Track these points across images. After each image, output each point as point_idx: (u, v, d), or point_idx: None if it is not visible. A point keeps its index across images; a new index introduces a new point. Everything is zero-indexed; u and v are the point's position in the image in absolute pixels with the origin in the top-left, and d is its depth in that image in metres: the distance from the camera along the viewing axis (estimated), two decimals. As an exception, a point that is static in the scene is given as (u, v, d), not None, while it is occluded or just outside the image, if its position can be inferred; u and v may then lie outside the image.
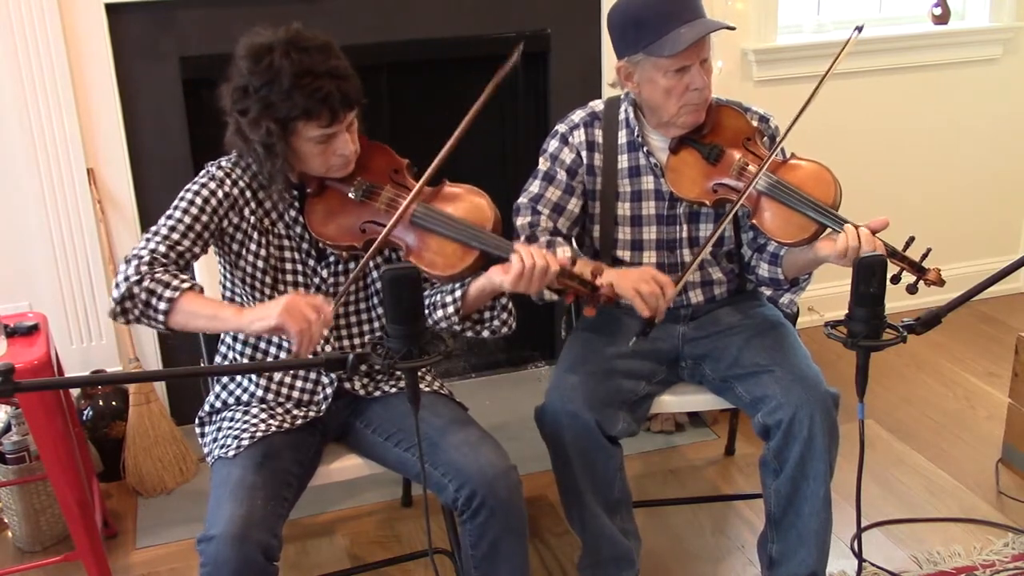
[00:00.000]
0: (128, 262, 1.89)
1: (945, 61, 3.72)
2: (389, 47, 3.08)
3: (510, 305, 2.10)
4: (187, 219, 1.96)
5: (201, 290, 1.90)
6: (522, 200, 2.31)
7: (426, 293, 2.09)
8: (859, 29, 2.15)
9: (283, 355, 2.11)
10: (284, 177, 1.99)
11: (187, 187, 2.01)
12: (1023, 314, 3.90)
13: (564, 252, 2.12)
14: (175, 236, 1.94)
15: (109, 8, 2.79)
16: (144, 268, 1.86)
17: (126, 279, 1.86)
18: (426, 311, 2.07)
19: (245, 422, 2.05)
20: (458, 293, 2.03)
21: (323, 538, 2.70)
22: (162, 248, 1.91)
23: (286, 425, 2.06)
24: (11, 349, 2.26)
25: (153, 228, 1.96)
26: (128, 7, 2.82)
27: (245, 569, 1.79)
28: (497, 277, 1.95)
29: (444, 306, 2.05)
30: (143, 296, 1.84)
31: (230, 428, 2.05)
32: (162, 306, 1.84)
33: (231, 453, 1.98)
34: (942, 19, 3.64)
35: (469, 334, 2.11)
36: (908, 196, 3.78)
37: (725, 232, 2.30)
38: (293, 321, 1.79)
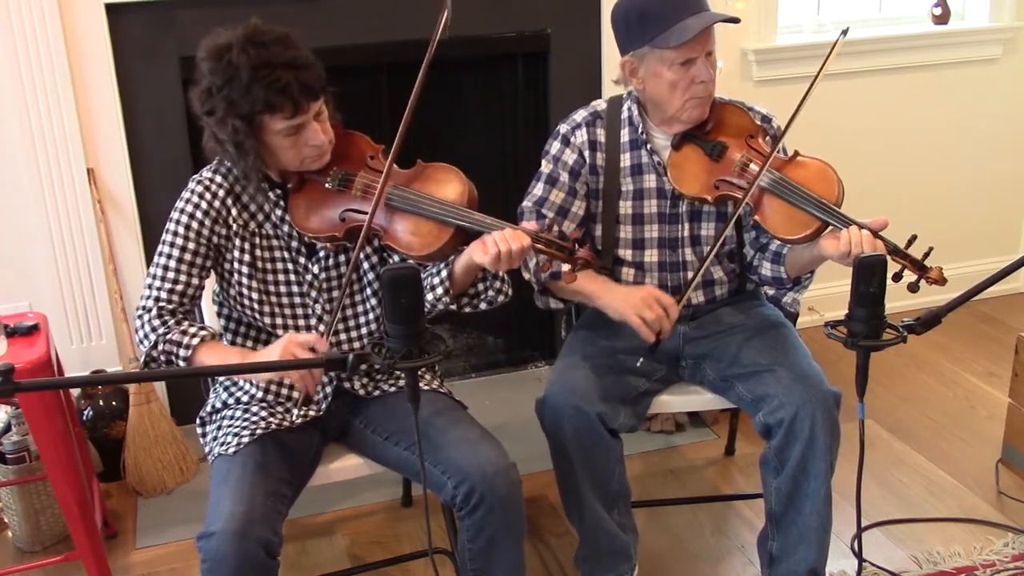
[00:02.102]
0: (140, 318, 2.00)
1: (945, 61, 3.72)
2: (389, 47, 3.07)
3: (502, 272, 2.07)
4: (176, 252, 2.01)
5: (213, 335, 1.99)
6: (526, 204, 2.30)
7: None
8: (844, 32, 2.16)
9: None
10: (258, 175, 1.99)
11: (171, 215, 2.03)
12: (1023, 314, 3.90)
13: None
14: (170, 275, 2.00)
15: (109, 8, 2.79)
16: (157, 323, 1.98)
17: (145, 337, 1.98)
18: None
19: (245, 420, 2.05)
20: (444, 274, 2.03)
21: (323, 538, 2.70)
22: (164, 295, 2.00)
23: (286, 423, 2.06)
24: (11, 349, 2.25)
25: (151, 270, 2.03)
26: (128, 7, 2.81)
27: (245, 565, 1.80)
28: (477, 256, 1.95)
29: (433, 289, 2.04)
30: (163, 357, 1.98)
31: (230, 426, 2.06)
32: (182, 363, 1.97)
33: (231, 450, 1.99)
34: (942, 19, 3.64)
35: (468, 310, 2.11)
36: (908, 196, 3.78)
37: (726, 231, 2.30)
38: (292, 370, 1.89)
